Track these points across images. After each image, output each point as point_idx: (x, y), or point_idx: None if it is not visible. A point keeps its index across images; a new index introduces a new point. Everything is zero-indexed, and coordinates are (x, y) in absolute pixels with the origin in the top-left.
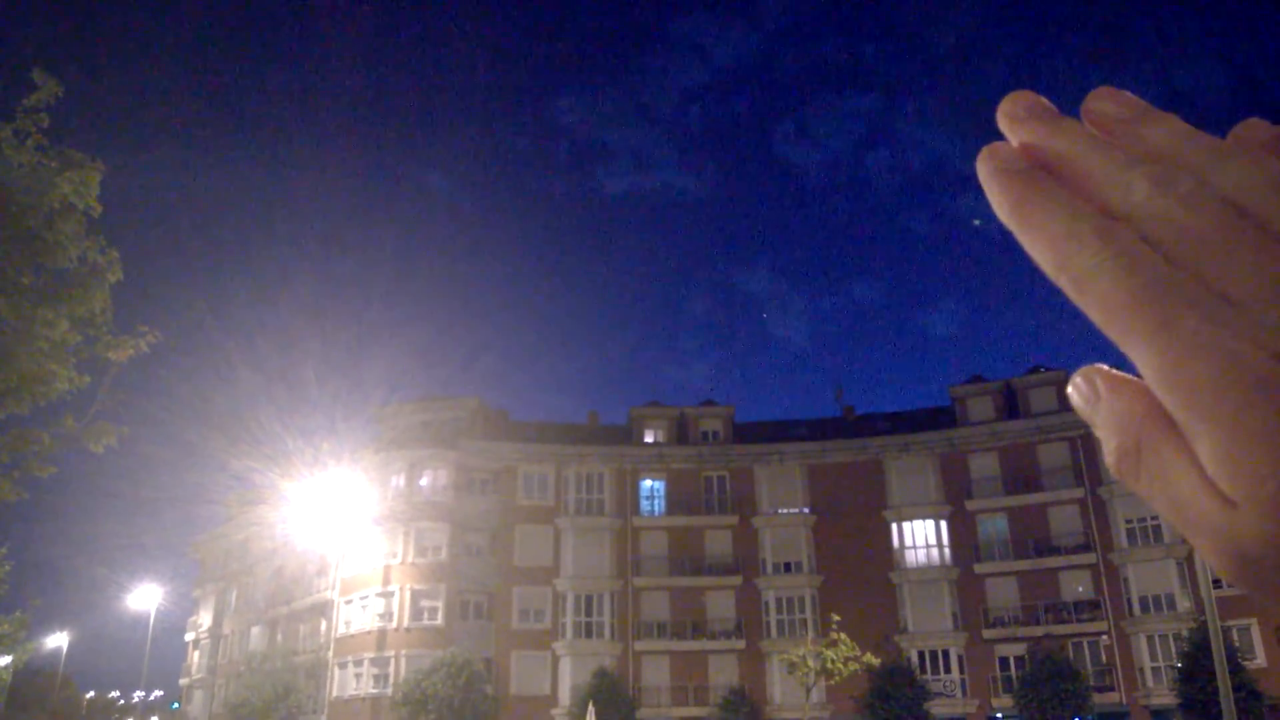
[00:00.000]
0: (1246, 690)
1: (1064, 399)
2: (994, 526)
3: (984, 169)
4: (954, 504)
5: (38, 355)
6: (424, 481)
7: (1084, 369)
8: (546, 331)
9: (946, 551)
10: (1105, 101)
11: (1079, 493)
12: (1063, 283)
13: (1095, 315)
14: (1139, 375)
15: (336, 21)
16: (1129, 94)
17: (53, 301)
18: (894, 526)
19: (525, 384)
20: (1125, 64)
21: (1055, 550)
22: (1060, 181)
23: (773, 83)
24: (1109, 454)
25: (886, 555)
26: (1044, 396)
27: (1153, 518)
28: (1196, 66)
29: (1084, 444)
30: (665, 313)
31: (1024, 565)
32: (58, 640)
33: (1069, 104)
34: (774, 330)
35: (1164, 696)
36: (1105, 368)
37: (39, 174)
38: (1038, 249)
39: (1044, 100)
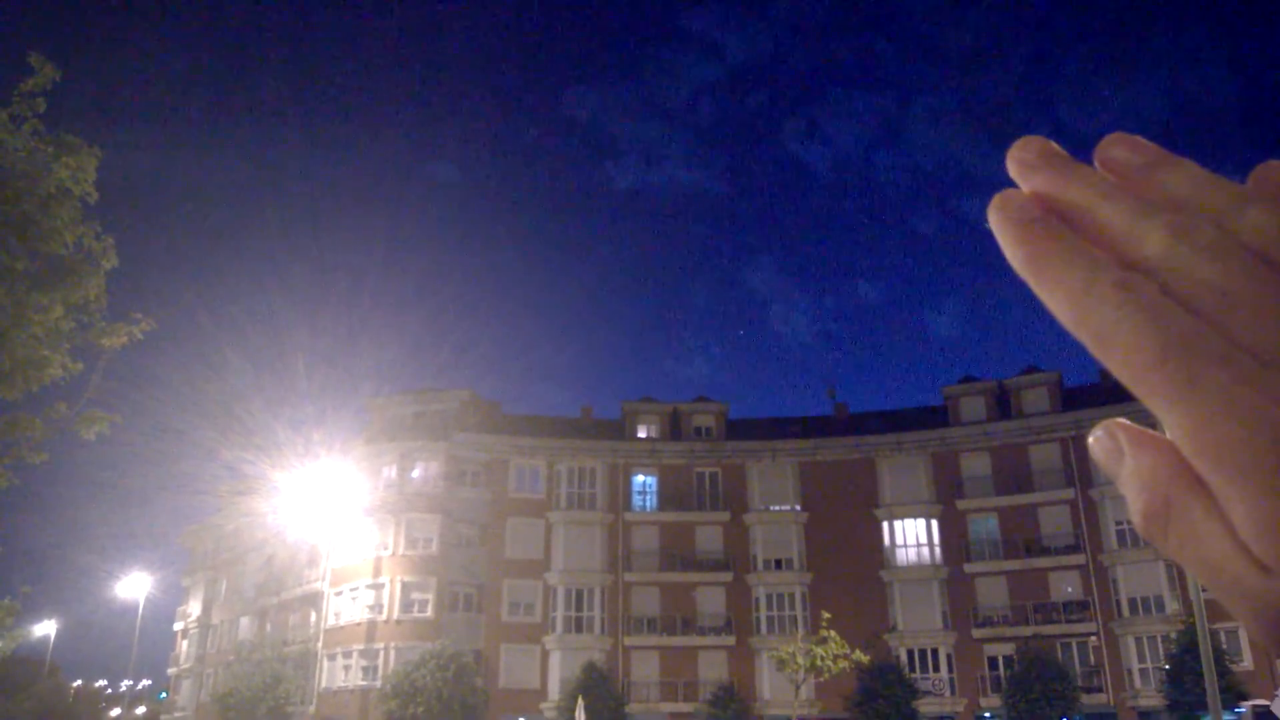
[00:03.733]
0: (1233, 693)
1: (1055, 400)
2: (984, 526)
3: (996, 218)
4: (945, 503)
5: (31, 341)
6: (415, 473)
7: (1106, 422)
8: (541, 324)
9: (937, 550)
10: (1119, 147)
11: (1069, 494)
12: (1083, 337)
13: (1118, 372)
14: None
15: (340, 10)
16: (1143, 139)
17: (47, 287)
18: (885, 525)
19: (518, 376)
20: (1137, 69)
21: (1045, 551)
22: (1076, 231)
23: (784, 80)
24: (1135, 514)
25: (877, 553)
26: (1036, 397)
27: None
28: (1208, 72)
29: (1075, 445)
30: (666, 307)
31: (1014, 565)
32: (45, 628)
33: (1082, 106)
34: (775, 326)
35: (1151, 698)
36: (1128, 423)
37: (35, 159)
38: (1055, 302)
39: (1055, 145)
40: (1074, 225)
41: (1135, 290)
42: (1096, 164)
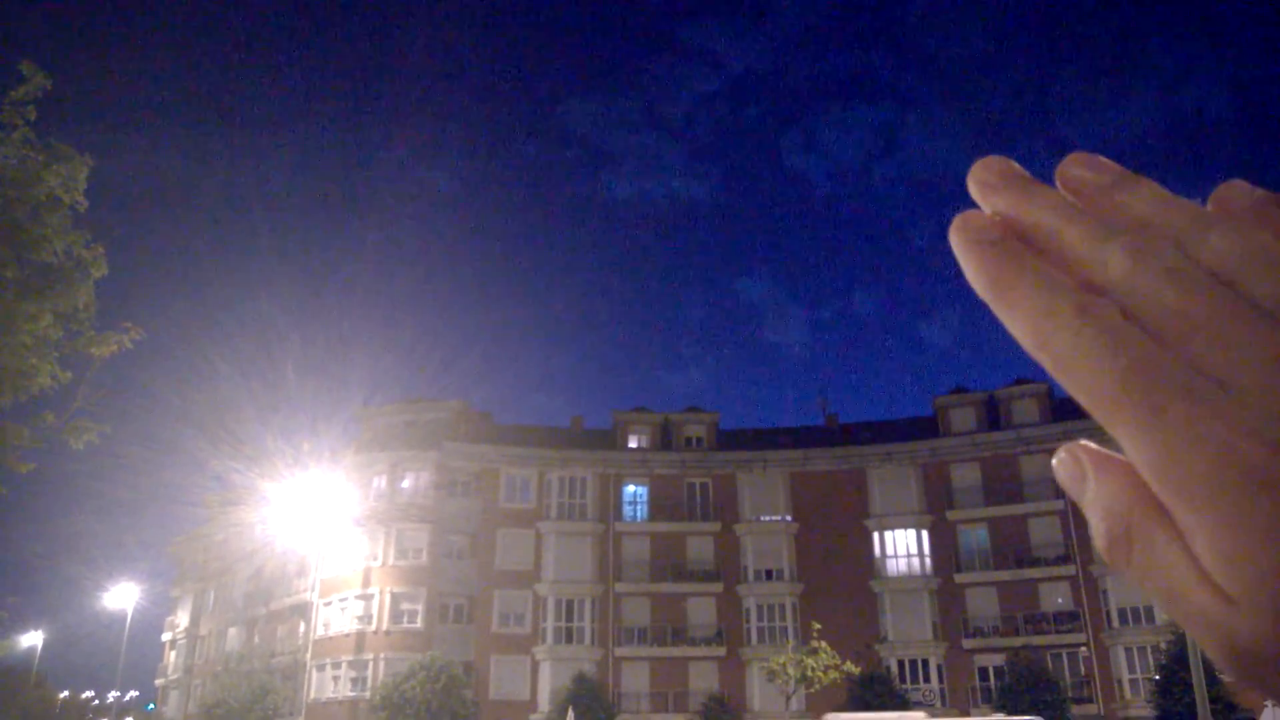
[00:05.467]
0: (1223, 704)
1: (1045, 411)
2: (975, 537)
3: (957, 240)
4: (935, 514)
5: (20, 349)
6: (405, 483)
7: (1069, 445)
8: (533, 334)
9: (927, 561)
10: (1080, 167)
11: (1059, 504)
12: (1044, 361)
13: (1079, 397)
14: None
15: (333, 21)
16: (1105, 159)
17: (36, 295)
18: (875, 535)
19: (510, 386)
20: (1133, 83)
21: (1035, 561)
22: (1037, 253)
23: (782, 92)
24: (1098, 538)
25: (867, 564)
26: (1026, 408)
27: None
28: (1203, 87)
29: None
30: (659, 317)
31: (1004, 576)
32: (32, 639)
33: (1078, 134)
34: (768, 337)
35: (1142, 709)
36: (1091, 445)
37: (26, 166)
38: (1016, 326)
39: (1016, 166)
40: (1035, 247)
41: (1096, 314)
42: (1058, 184)
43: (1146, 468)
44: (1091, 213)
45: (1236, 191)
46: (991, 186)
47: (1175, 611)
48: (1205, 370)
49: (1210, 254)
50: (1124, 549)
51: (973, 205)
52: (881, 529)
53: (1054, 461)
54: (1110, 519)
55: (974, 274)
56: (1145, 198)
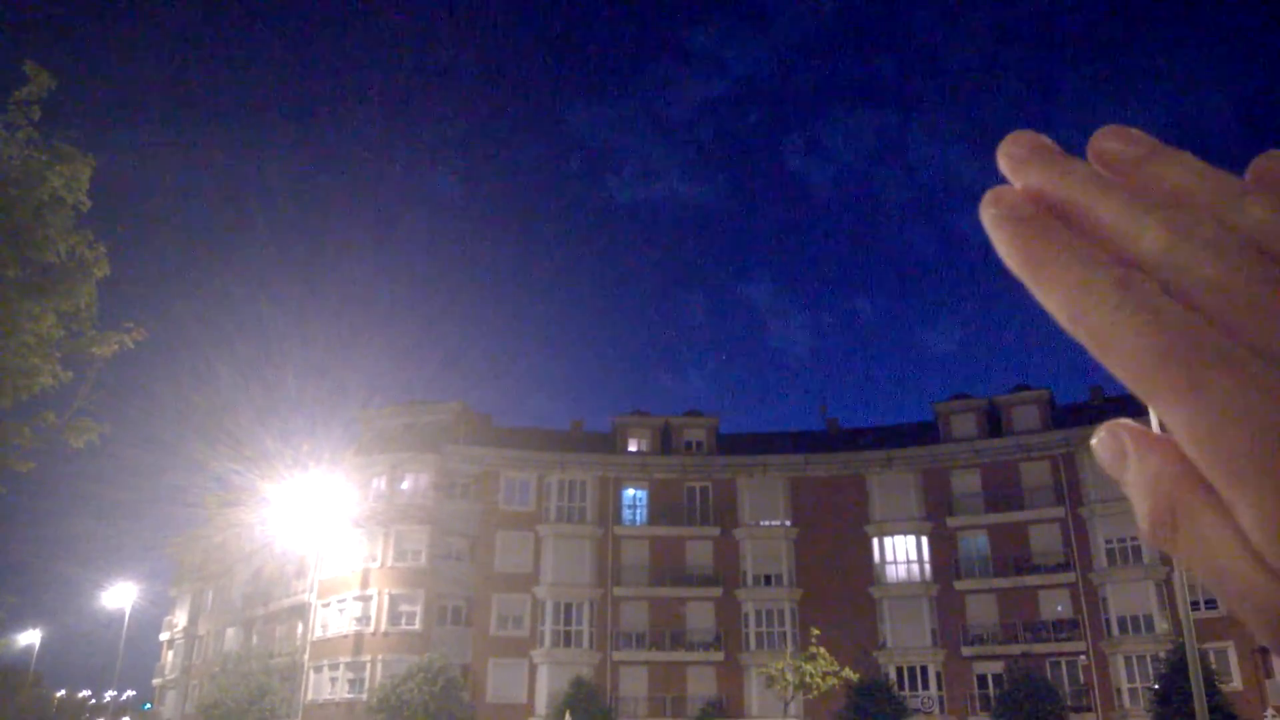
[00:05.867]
0: (1222, 713)
1: (1046, 418)
2: (975, 543)
3: (988, 216)
4: (935, 520)
5: (21, 349)
6: (405, 485)
7: (1109, 424)
8: (534, 336)
9: (927, 567)
10: (1113, 140)
11: (1059, 511)
12: (1081, 337)
13: (1118, 373)
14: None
15: (337, 23)
16: (1138, 131)
17: (38, 295)
18: (875, 541)
19: (510, 389)
20: (1135, 89)
21: (1035, 569)
22: (1070, 228)
23: (785, 97)
24: (1141, 519)
25: (867, 570)
26: (1027, 415)
27: (1132, 538)
28: (1205, 93)
29: (1065, 463)
30: (661, 321)
31: (1004, 583)
32: (29, 637)
33: (1081, 127)
34: (770, 341)
35: (1140, 717)
36: (1132, 423)
37: (29, 166)
38: (1051, 302)
39: (1047, 139)
40: (1068, 222)
41: (1134, 288)
42: (1090, 158)
43: (1190, 444)
44: (1125, 186)
45: (1275, 162)
46: (1022, 161)
47: (1223, 591)
48: (1247, 343)
49: (1250, 225)
50: (1168, 529)
51: (1001, 181)
52: (881, 535)
53: (1093, 441)
54: (1154, 498)
55: (1007, 251)
56: (1181, 170)
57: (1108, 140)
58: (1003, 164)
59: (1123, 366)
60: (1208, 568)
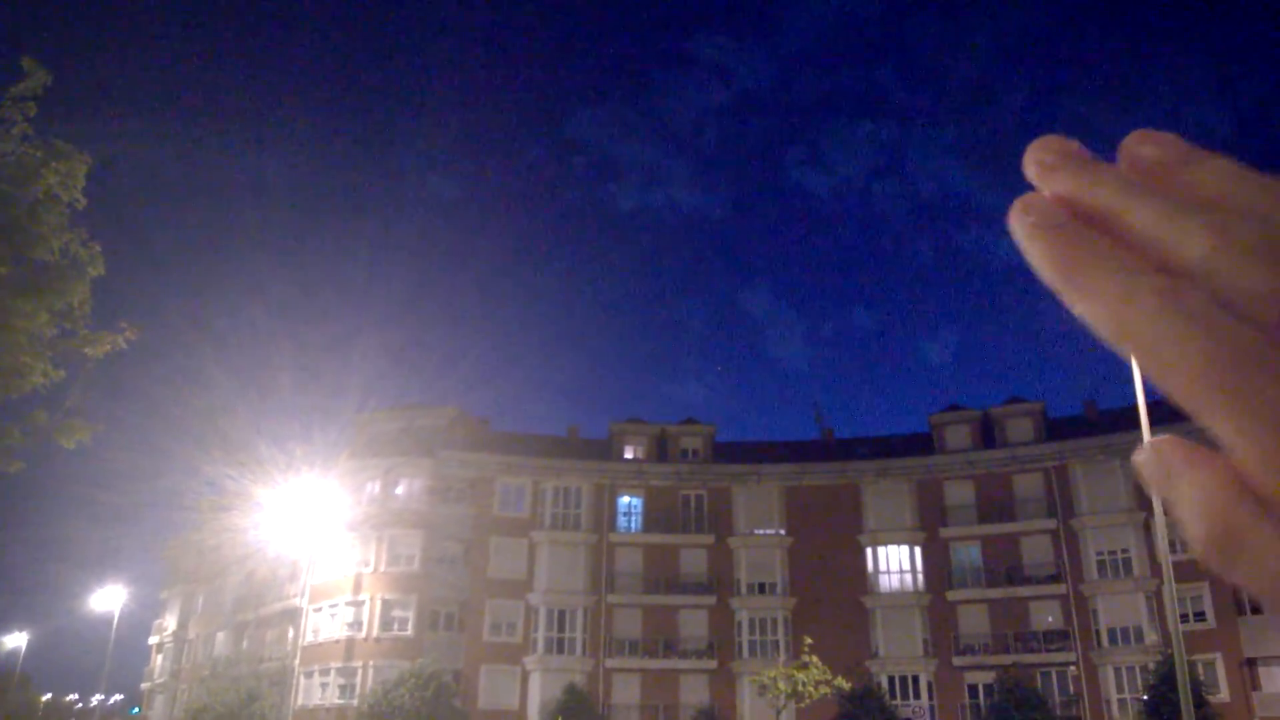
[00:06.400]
0: None
1: (1039, 430)
2: (967, 554)
3: (1020, 225)
4: (928, 530)
5: (14, 347)
6: (399, 489)
7: (1155, 440)
8: (531, 341)
9: (920, 577)
10: (1147, 144)
11: (1051, 523)
12: (1126, 349)
13: (1165, 386)
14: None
15: (337, 24)
16: (1170, 135)
17: (32, 293)
18: (868, 551)
19: (506, 394)
20: (1137, 104)
21: (1026, 580)
22: (1106, 236)
23: (788, 107)
24: (1195, 541)
25: (860, 579)
26: (1020, 427)
27: (1123, 550)
28: (1207, 109)
29: (1057, 475)
30: (659, 329)
31: (995, 594)
32: (16, 639)
33: (1084, 140)
34: (768, 351)
35: None
36: (1180, 439)
37: (24, 163)
38: (1093, 313)
39: (1076, 144)
40: (1102, 229)
41: (1179, 298)
42: (1122, 163)
43: (1244, 459)
44: (1160, 191)
45: None
46: (1051, 167)
47: None
48: None
49: None
50: (1225, 550)
51: (1029, 188)
52: (875, 544)
53: (1137, 459)
54: (1208, 518)
55: (1041, 260)
56: (1218, 174)
57: (1141, 145)
58: (1030, 170)
59: (1171, 379)
60: (1266, 588)
